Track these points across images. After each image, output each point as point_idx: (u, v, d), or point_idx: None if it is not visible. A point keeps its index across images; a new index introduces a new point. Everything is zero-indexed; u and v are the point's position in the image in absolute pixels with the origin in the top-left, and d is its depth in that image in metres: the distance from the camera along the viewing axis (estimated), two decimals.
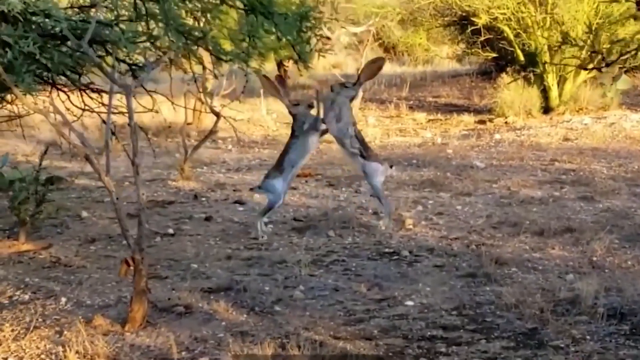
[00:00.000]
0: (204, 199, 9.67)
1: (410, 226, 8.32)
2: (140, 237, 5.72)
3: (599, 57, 3.87)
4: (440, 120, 16.13)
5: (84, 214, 8.88)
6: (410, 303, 6.23)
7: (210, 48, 7.93)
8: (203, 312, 6.02)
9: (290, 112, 8.41)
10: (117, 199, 5.72)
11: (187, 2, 7.66)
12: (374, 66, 8.26)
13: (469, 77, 21.03)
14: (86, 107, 9.09)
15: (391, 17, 17.45)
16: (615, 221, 8.29)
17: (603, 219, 8.37)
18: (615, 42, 4.04)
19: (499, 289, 6.43)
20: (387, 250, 7.61)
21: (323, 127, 8.24)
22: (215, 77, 8.93)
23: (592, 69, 3.87)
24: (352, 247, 7.76)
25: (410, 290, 6.49)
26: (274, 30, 7.54)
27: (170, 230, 8.30)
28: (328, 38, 28.04)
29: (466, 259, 7.26)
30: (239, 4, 7.47)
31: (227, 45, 7.92)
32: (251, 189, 8.89)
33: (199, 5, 7.80)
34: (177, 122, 13.99)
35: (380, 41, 30.69)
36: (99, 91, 9.25)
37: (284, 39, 7.92)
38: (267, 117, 16.67)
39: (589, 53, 16.03)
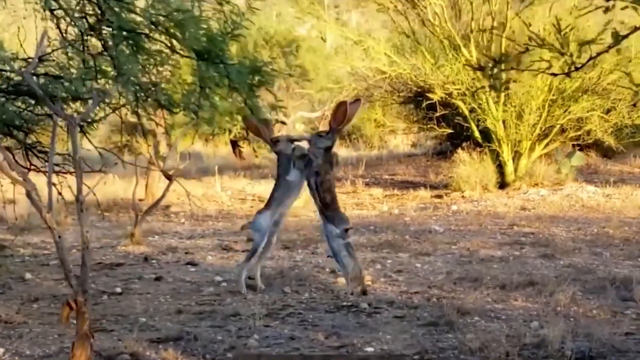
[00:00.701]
0: (154, 261, 9.33)
1: (369, 282, 8.05)
2: (84, 279, 5.39)
3: (570, 60, 3.67)
4: (397, 195, 16.00)
5: (28, 275, 8.50)
6: (370, 349, 5.94)
7: (161, 100, 7.75)
8: None
9: (274, 151, 8.25)
10: (59, 237, 5.41)
11: (139, 56, 7.50)
12: (341, 109, 7.95)
13: (425, 157, 21.04)
14: (32, 167, 8.82)
15: (347, 92, 17.41)
16: (577, 276, 8.09)
17: (565, 274, 8.16)
18: (584, 44, 3.87)
19: (462, 337, 6.15)
20: (345, 303, 7.32)
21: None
22: (166, 132, 8.75)
23: (561, 74, 3.68)
24: (309, 301, 7.46)
25: (370, 338, 6.20)
26: (226, 82, 7.37)
27: (118, 289, 7.94)
28: (283, 123, 28.09)
29: (427, 310, 6.99)
30: (191, 53, 7.28)
31: (178, 97, 7.73)
32: (242, 227, 8.62)
33: (152, 60, 7.64)
34: (128, 197, 13.74)
35: None
36: (45, 152, 9.00)
37: (236, 99, 7.78)
38: (222, 194, 16.42)
39: (543, 129, 16.21)
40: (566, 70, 3.86)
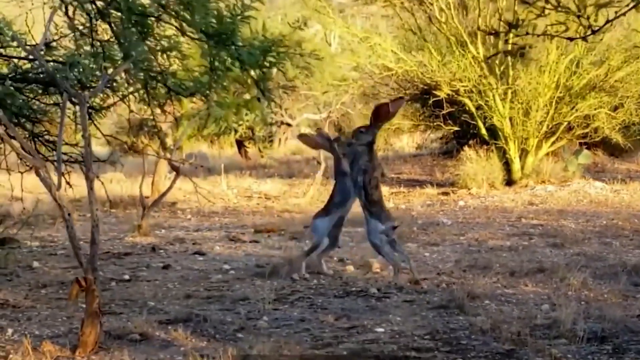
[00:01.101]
0: (162, 251, 9.29)
1: (378, 270, 8.02)
2: (93, 256, 5.38)
3: (586, 23, 3.63)
4: (403, 192, 15.95)
5: (35, 264, 8.45)
6: (380, 330, 5.91)
7: (171, 86, 7.72)
8: (160, 339, 5.66)
9: (333, 154, 8.30)
10: (69, 214, 5.39)
11: (148, 41, 7.48)
12: (383, 110, 7.93)
13: (431, 156, 21.01)
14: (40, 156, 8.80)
15: (353, 89, 17.38)
16: (588, 263, 8.05)
17: (575, 261, 8.11)
18: (602, 6, 3.81)
19: (473, 319, 6.13)
20: (354, 289, 7.29)
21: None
22: (176, 120, 8.72)
23: (578, 38, 3.63)
24: (318, 287, 7.43)
25: (380, 320, 6.17)
26: (237, 64, 7.33)
27: (126, 277, 7.91)
28: (289, 125, 28.13)
29: (437, 295, 6.97)
30: (200, 35, 7.23)
31: (188, 81, 7.70)
32: (305, 227, 8.70)
33: (161, 44, 7.61)
34: (134, 194, 13.73)
35: (340, 131, 30.76)
36: (52, 142, 8.98)
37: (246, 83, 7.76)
38: (228, 192, 16.39)
39: (550, 127, 16.17)
40: (583, 34, 3.81)
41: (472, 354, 5.32)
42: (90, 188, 5.43)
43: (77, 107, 7.81)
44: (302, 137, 8.74)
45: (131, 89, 8.19)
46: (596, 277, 7.48)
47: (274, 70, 7.65)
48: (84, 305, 5.43)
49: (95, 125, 8.40)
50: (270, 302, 6.71)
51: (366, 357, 5.27)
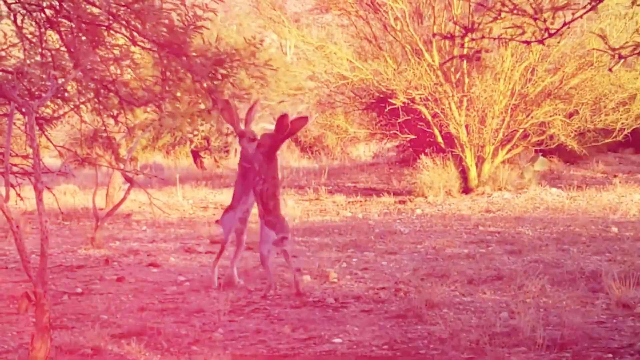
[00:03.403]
0: (115, 263, 9.12)
1: (335, 280, 7.93)
2: (43, 269, 5.22)
3: (543, 26, 3.55)
4: (360, 201, 15.87)
5: None
6: (338, 340, 5.84)
7: (122, 95, 7.60)
8: (113, 354, 5.54)
9: (239, 144, 8.18)
10: (17, 227, 5.23)
11: (99, 50, 7.36)
12: (299, 122, 7.91)
13: (388, 165, 20.98)
14: None
15: (308, 98, 17.30)
16: (546, 269, 8.02)
17: (533, 268, 8.08)
18: (558, 9, 3.75)
19: (431, 328, 6.07)
20: (311, 299, 7.20)
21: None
22: (129, 130, 8.57)
23: (535, 41, 3.56)
24: (274, 298, 7.33)
25: (338, 330, 6.10)
26: (189, 75, 7.24)
27: (79, 290, 7.75)
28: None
29: (395, 304, 6.90)
30: (151, 45, 7.12)
31: (140, 91, 7.57)
32: (217, 221, 8.44)
33: (112, 54, 7.51)
34: (88, 207, 13.55)
35: (297, 140, 30.71)
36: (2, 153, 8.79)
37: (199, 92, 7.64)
38: (184, 202, 16.21)
39: (505, 134, 16.21)
40: (539, 38, 3.76)
41: None
42: (39, 199, 5.28)
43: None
44: (226, 104, 7.92)
45: (82, 99, 8.05)
46: (554, 283, 7.46)
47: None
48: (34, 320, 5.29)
49: (46, 136, 8.23)
50: (226, 313, 6.62)
51: None
